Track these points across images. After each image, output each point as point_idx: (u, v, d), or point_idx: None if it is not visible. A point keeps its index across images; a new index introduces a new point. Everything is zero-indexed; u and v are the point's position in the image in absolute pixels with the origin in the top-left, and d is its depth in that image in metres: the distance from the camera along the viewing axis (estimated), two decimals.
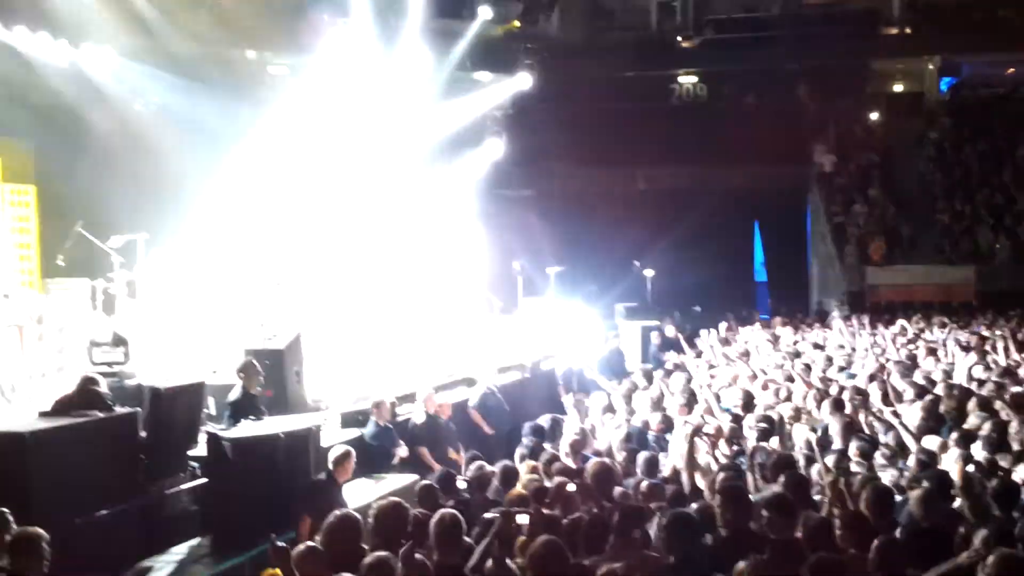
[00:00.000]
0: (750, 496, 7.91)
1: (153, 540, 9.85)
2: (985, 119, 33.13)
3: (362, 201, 21.49)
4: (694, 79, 34.14)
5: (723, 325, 20.27)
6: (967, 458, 8.77)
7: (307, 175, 20.95)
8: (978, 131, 32.78)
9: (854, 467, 9.03)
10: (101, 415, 9.93)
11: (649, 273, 24.56)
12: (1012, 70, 35.10)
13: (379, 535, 7.20)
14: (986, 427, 9.79)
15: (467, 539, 7.25)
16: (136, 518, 9.87)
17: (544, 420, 12.65)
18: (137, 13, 18.79)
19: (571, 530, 7.73)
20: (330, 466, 9.73)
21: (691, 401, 12.34)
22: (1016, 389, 11.83)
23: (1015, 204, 30.15)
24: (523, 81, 26.87)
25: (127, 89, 19.77)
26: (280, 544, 6.49)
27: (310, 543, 7.08)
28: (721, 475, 8.81)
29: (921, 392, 11.95)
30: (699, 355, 17.20)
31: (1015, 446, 9.30)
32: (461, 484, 9.83)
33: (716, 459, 9.70)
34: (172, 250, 17.24)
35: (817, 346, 17.85)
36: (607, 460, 9.65)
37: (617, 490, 8.87)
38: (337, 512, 7.48)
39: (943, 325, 19.93)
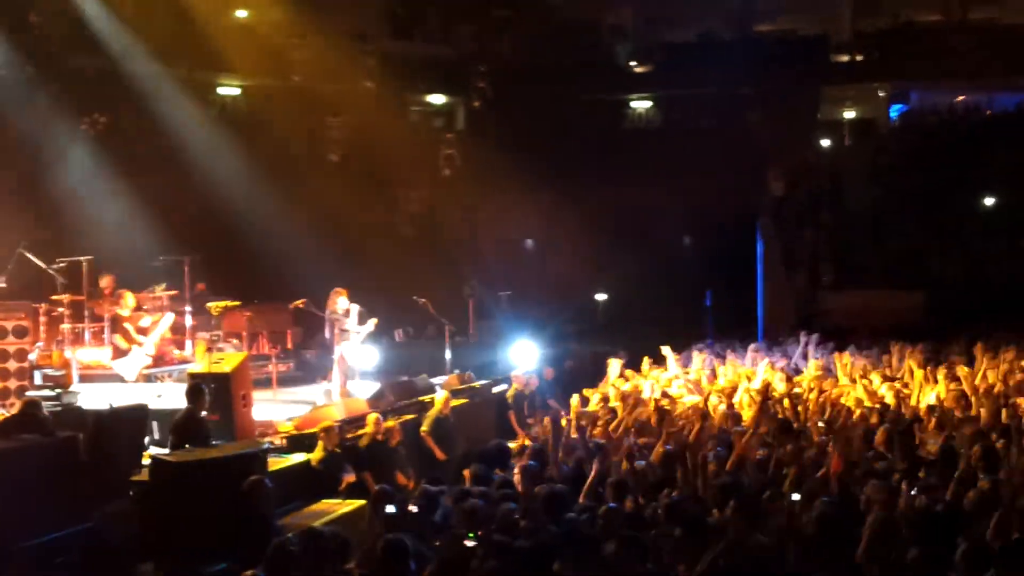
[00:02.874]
0: None
1: (95, 566, 9.66)
2: (935, 145, 33.50)
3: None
4: (647, 103, 34.34)
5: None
6: None
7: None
8: (927, 157, 33.11)
9: None
10: (42, 439, 9.76)
11: (601, 297, 24.59)
12: (962, 97, 35.56)
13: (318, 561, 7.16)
14: None
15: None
16: (78, 543, 9.68)
17: (492, 445, 12.59)
18: None
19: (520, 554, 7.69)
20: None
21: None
22: None
23: (964, 230, 30.46)
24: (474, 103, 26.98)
25: None
26: None
27: (252, 573, 7.00)
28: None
29: None
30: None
31: None
32: (413, 508, 9.71)
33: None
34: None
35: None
36: (558, 486, 9.61)
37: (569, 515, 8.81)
38: (275, 541, 7.43)
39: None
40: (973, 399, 12.83)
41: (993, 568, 6.98)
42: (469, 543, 7.93)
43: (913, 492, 8.64)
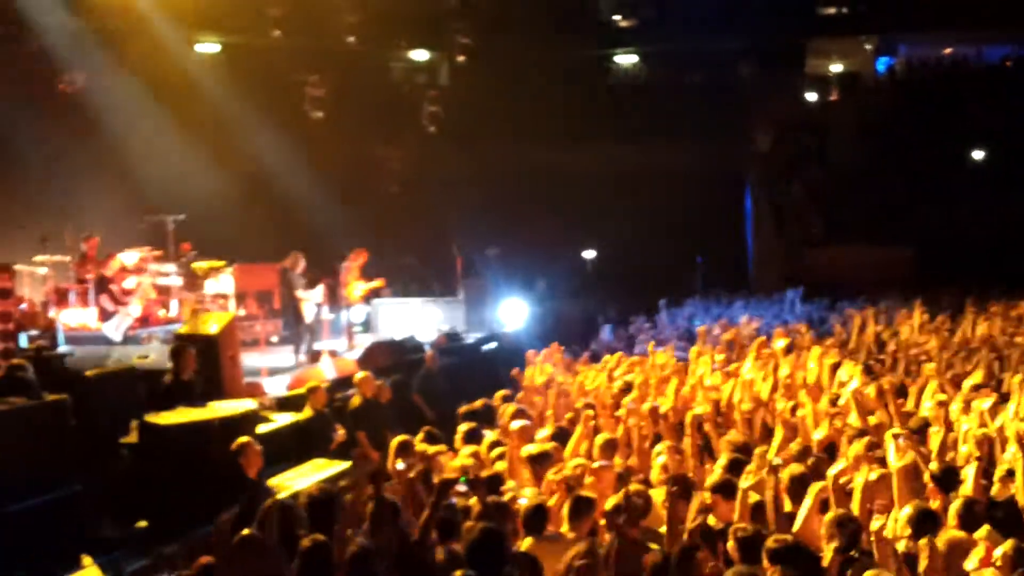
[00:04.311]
0: None
1: (85, 528, 9.61)
2: (922, 99, 33.38)
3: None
4: (633, 58, 34.09)
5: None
6: None
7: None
8: (915, 111, 33.01)
9: None
10: (29, 402, 9.66)
11: (589, 254, 24.52)
12: (949, 50, 35.39)
13: (312, 521, 7.14)
14: None
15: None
16: (67, 506, 9.60)
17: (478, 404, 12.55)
18: None
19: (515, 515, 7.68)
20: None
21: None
22: None
23: (952, 184, 30.42)
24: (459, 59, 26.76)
25: None
26: None
27: (246, 531, 6.95)
28: None
29: None
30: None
31: None
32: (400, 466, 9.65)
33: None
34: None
35: None
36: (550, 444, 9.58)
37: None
38: (271, 500, 7.39)
39: None
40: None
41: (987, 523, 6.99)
42: (460, 488, 7.93)
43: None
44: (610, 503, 7.38)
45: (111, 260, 16.67)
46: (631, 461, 9.40)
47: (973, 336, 15.61)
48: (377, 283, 18.77)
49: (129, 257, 16.98)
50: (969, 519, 7.05)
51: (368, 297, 18.84)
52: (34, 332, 14.63)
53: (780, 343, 14.06)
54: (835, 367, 12.77)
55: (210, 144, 22.32)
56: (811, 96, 34.46)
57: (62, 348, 14.13)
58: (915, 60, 35.54)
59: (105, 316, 16.11)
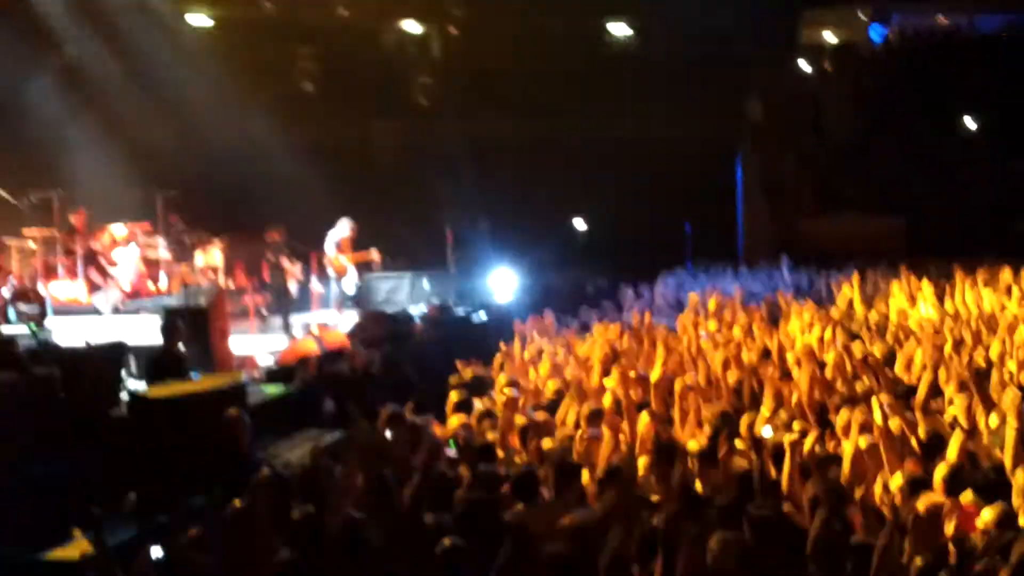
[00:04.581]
0: None
1: (74, 503, 9.60)
2: (916, 68, 33.29)
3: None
4: (626, 29, 33.92)
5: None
6: None
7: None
8: (909, 81, 32.92)
9: None
10: (18, 376, 9.66)
11: (580, 225, 24.48)
12: (943, 19, 35.26)
13: (304, 493, 7.15)
14: None
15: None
16: (57, 480, 9.60)
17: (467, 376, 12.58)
18: None
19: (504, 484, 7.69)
20: None
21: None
22: None
23: (946, 154, 30.38)
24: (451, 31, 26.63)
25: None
26: None
27: (236, 505, 6.97)
28: None
29: None
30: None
31: None
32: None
33: None
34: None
35: None
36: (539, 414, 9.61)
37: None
38: (262, 472, 7.42)
39: None
40: None
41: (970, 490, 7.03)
42: (450, 452, 7.97)
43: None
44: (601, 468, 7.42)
45: (101, 233, 16.65)
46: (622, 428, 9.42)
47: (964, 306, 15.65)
48: (368, 254, 18.70)
49: (119, 230, 16.94)
50: (954, 485, 7.08)
51: (358, 269, 18.82)
52: (23, 306, 14.60)
53: (768, 312, 14.11)
54: (823, 335, 12.81)
55: (201, 117, 22.23)
56: (804, 66, 34.37)
57: (51, 321, 14.11)
58: (909, 30, 35.41)
59: (94, 289, 16.08)
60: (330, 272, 18.62)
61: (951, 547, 6.35)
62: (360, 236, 18.80)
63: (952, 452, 7.79)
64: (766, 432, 8.31)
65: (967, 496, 6.93)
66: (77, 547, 7.93)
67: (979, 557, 6.20)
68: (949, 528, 6.53)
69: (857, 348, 11.59)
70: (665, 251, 25.86)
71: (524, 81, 27.96)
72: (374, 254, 18.97)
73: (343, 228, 18.03)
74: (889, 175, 30.20)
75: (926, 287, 16.42)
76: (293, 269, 16.87)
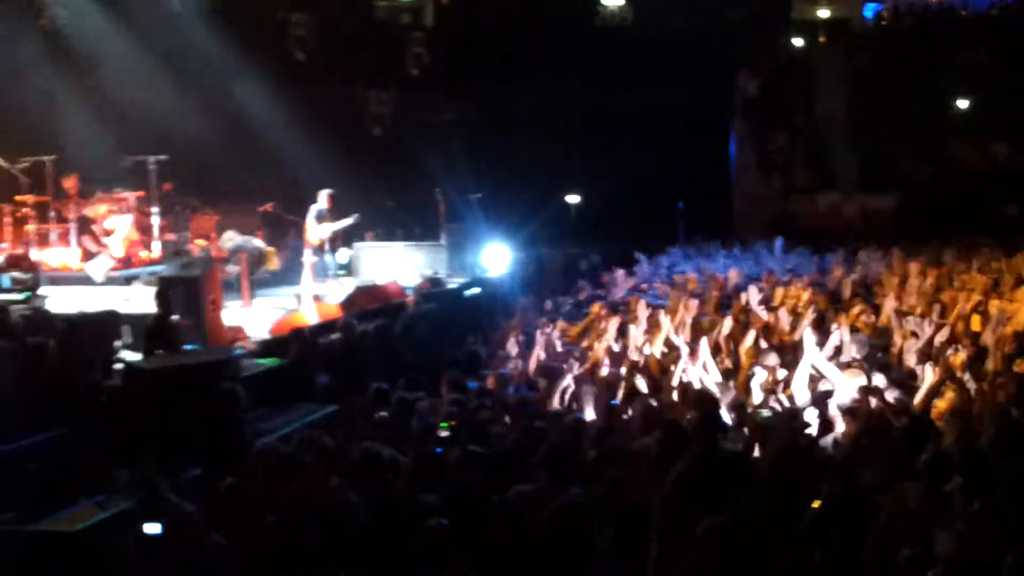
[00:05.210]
0: None
1: (68, 473, 9.61)
2: (909, 46, 33.26)
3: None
4: (619, 1, 33.80)
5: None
6: None
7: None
8: (901, 58, 32.91)
9: None
10: (11, 344, 9.65)
11: (573, 199, 24.46)
12: None
13: (297, 468, 7.15)
14: None
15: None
16: (52, 448, 9.61)
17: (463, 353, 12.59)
18: None
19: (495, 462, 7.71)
20: None
21: None
22: None
23: (938, 132, 30.40)
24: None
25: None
26: None
27: (230, 479, 6.97)
28: None
29: None
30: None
31: None
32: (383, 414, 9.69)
33: None
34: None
35: None
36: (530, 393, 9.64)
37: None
38: (256, 446, 7.42)
39: None
40: None
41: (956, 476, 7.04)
42: (443, 433, 7.97)
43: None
44: None
45: (94, 200, 16.57)
46: None
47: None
48: (346, 221, 18.16)
49: (111, 197, 16.87)
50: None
51: (341, 239, 18.65)
52: (16, 273, 14.54)
53: (757, 294, 14.06)
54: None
55: (193, 84, 22.12)
56: (798, 42, 34.33)
57: (44, 289, 14.07)
58: (902, 7, 35.36)
59: (87, 256, 16.03)
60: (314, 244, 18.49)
61: None
62: (352, 205, 18.64)
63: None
64: None
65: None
66: (76, 518, 7.96)
67: None
68: None
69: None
70: (658, 226, 25.86)
71: (517, 52, 27.84)
72: (350, 219, 18.44)
73: (321, 200, 17.72)
74: (881, 152, 30.22)
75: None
76: (285, 240, 16.81)
